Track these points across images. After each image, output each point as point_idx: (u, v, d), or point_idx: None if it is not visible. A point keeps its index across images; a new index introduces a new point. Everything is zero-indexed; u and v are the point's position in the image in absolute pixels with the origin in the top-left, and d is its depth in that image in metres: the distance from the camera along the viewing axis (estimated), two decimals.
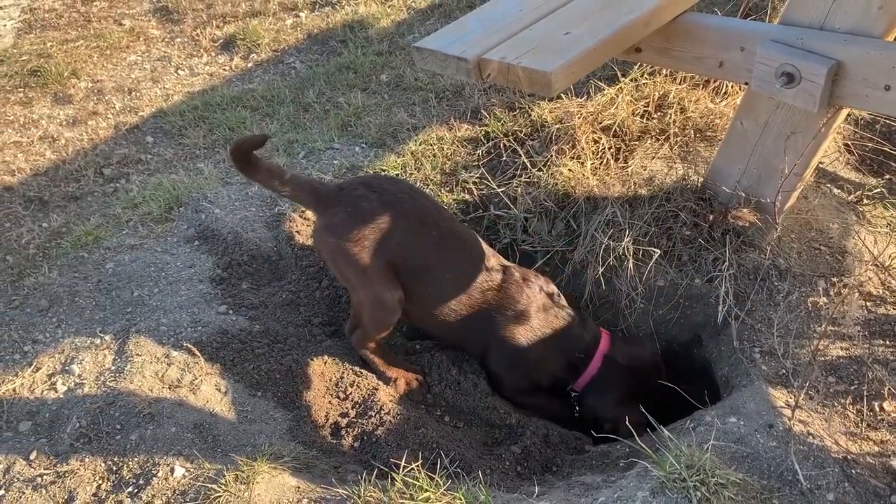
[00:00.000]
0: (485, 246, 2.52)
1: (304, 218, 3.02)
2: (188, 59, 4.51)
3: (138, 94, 4.19)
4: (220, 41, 4.61)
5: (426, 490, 1.78)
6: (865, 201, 2.85)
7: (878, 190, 2.88)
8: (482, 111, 3.33)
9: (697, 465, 1.76)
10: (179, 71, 4.39)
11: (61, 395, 2.24)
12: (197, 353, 2.36)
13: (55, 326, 2.54)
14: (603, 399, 2.51)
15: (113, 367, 2.33)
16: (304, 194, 2.45)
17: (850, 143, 3.07)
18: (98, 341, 2.43)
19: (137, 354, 2.36)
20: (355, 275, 2.39)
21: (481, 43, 2.19)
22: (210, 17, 4.86)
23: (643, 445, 1.82)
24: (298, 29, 4.61)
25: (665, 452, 1.76)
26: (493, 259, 2.50)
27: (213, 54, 4.53)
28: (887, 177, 3.06)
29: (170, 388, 2.27)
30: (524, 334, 2.45)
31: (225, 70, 4.36)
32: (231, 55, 4.48)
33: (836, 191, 2.89)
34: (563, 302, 2.54)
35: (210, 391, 2.29)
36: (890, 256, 2.48)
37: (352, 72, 3.99)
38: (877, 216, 2.80)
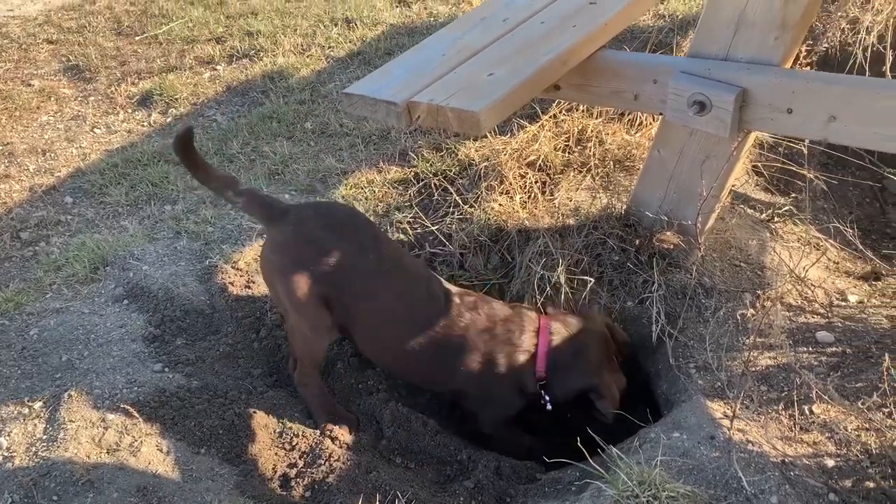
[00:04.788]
0: (428, 272, 2.48)
1: (237, 269, 2.99)
2: (104, 116, 4.42)
3: (53, 155, 4.07)
4: (137, 97, 4.55)
5: None
6: (776, 219, 3.02)
7: (787, 208, 3.06)
8: (410, 153, 3.39)
9: (648, 480, 1.81)
10: (95, 129, 4.30)
11: None
12: (135, 413, 2.29)
13: None
14: (570, 370, 2.41)
15: (45, 437, 2.23)
16: (256, 207, 2.44)
17: (758, 164, 3.25)
18: (26, 411, 2.33)
19: (71, 421, 2.27)
20: (289, 298, 2.36)
21: (409, 87, 2.24)
22: (124, 73, 4.79)
23: (595, 466, 1.86)
24: (217, 82, 4.60)
25: (617, 471, 1.80)
26: (437, 285, 2.44)
27: (129, 111, 4.46)
28: (793, 195, 3.25)
29: (108, 452, 2.19)
30: (486, 359, 2.39)
31: (143, 126, 4.30)
32: (149, 111, 4.42)
33: (749, 210, 3.06)
34: (492, 302, 2.48)
35: (151, 452, 2.22)
36: (804, 269, 2.63)
37: (275, 121, 4.00)
38: (788, 232, 2.98)
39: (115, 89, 4.62)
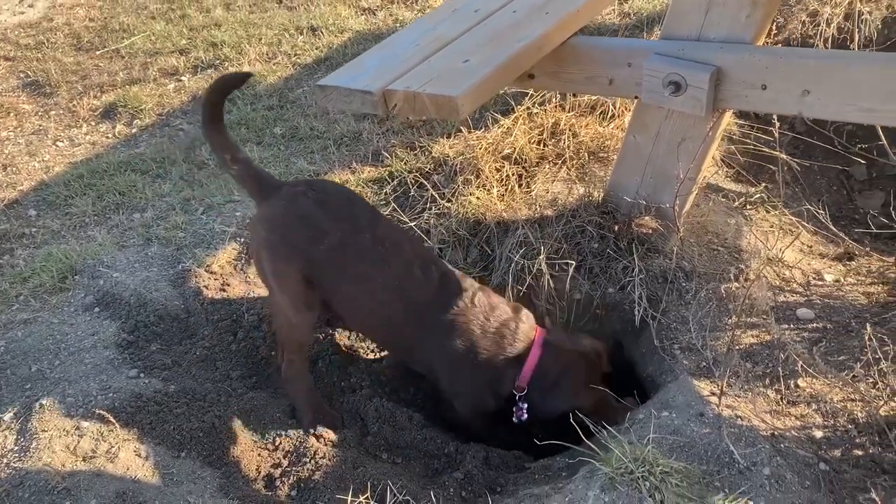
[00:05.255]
0: (426, 251, 2.42)
1: (211, 272, 2.92)
2: (66, 130, 4.33)
3: (14, 169, 3.97)
4: (100, 110, 4.46)
5: None
6: (748, 207, 3.05)
7: (759, 195, 3.10)
8: (383, 153, 3.36)
9: (641, 457, 1.80)
10: (58, 143, 4.21)
11: None
12: (111, 419, 2.21)
13: None
14: (554, 391, 2.33)
15: (16, 448, 2.15)
16: (249, 179, 2.40)
17: (732, 148, 3.28)
18: None
19: (43, 430, 2.19)
20: (273, 273, 2.32)
21: (383, 76, 2.22)
22: (86, 87, 4.70)
23: (590, 444, 1.84)
24: (182, 92, 4.53)
25: (612, 447, 1.79)
26: (433, 266, 2.36)
27: (93, 124, 4.37)
28: (763, 184, 3.30)
29: (84, 459, 2.11)
30: (469, 345, 2.31)
31: (108, 138, 4.22)
32: (113, 123, 4.34)
33: (722, 199, 3.08)
34: (494, 298, 2.40)
35: (129, 457, 2.15)
36: (780, 250, 2.66)
37: (244, 127, 3.95)
38: (760, 219, 3.01)
39: (77, 103, 4.53)
